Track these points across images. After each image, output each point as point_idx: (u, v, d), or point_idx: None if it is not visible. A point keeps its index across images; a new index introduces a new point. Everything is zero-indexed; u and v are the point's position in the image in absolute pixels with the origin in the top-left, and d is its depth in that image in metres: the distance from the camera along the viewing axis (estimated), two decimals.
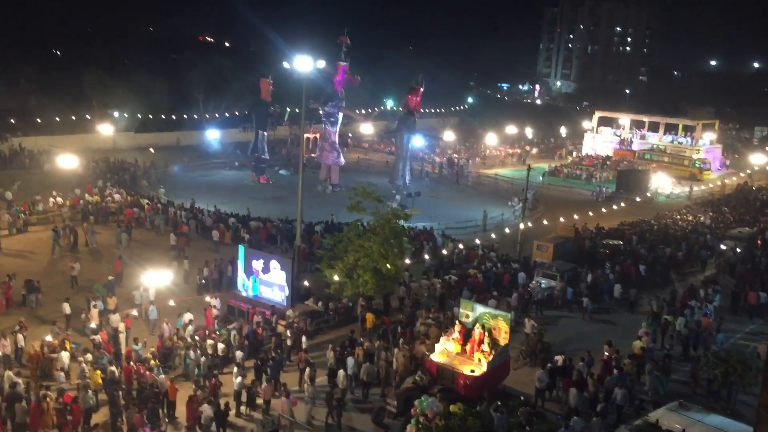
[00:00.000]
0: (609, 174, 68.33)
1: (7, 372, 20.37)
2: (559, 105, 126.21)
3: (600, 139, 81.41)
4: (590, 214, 49.67)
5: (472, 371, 20.48)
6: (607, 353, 22.90)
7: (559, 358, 22.62)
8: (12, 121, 61.50)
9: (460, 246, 37.54)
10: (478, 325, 21.46)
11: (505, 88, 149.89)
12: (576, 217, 46.85)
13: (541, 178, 62.02)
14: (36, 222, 37.61)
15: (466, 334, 21.70)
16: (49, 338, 22.63)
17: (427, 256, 35.68)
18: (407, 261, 31.47)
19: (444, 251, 36.84)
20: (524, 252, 37.32)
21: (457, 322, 22.32)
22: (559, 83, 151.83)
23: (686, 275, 35.88)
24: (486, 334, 21.19)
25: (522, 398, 19.78)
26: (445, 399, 18.90)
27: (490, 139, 79.75)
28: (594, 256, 36.98)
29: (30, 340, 22.84)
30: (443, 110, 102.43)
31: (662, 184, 62.79)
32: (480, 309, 22.04)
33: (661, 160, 73.45)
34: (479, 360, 20.89)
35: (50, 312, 26.23)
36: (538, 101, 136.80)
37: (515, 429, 17.15)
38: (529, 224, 43.13)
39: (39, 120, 63.20)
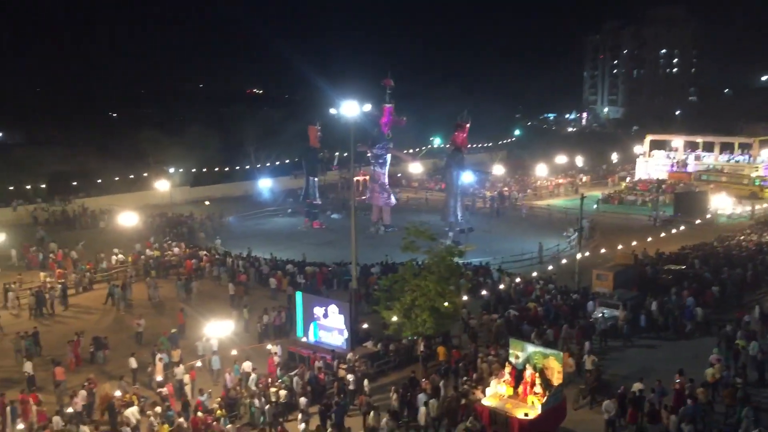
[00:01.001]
0: (666, 197, 66.81)
1: (82, 427, 20.84)
2: (608, 131, 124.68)
3: (653, 162, 79.94)
4: (649, 239, 48.56)
5: (526, 415, 19.77)
6: (679, 382, 22.11)
7: (637, 386, 21.88)
8: (74, 183, 63.87)
9: (518, 280, 37.10)
10: (528, 365, 20.82)
11: (551, 118, 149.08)
12: (634, 243, 45.85)
13: (595, 206, 61.05)
14: (101, 279, 38.72)
15: (518, 376, 21.06)
16: (118, 393, 23.10)
17: (484, 292, 35.34)
18: (465, 298, 31.21)
19: (501, 286, 36.45)
20: (583, 282, 36.64)
21: (507, 363, 21.74)
22: (606, 109, 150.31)
23: (756, 298, 34.55)
24: (537, 374, 20.53)
25: None
26: None
27: (540, 170, 79.15)
28: (656, 282, 36.02)
29: (99, 395, 23.40)
30: (491, 144, 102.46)
31: (722, 204, 61.04)
32: (530, 348, 21.47)
33: (718, 180, 71.51)
34: (533, 403, 20.16)
35: (118, 367, 26.80)
36: (586, 129, 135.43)
37: None
38: (587, 254, 42.40)
39: (99, 180, 65.53)
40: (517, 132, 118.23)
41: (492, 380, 21.79)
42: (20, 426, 21.49)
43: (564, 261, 42.79)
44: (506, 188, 73.17)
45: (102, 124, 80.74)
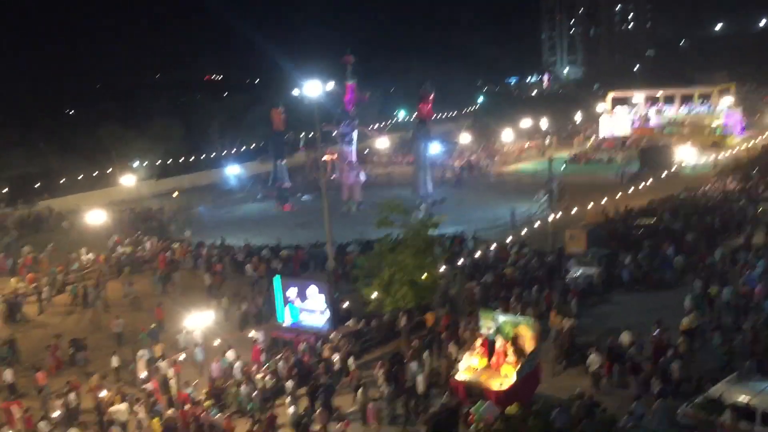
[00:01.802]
0: (630, 153, 67.57)
1: (71, 430, 20.69)
2: (570, 92, 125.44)
3: (616, 119, 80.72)
4: (618, 196, 49.18)
5: (501, 385, 19.86)
6: (657, 333, 22.56)
7: (626, 335, 22.15)
8: (37, 185, 62.66)
9: (492, 246, 37.38)
10: (500, 335, 20.81)
11: (513, 82, 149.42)
12: (604, 201, 46.42)
13: (563, 167, 61.56)
14: (73, 281, 38.14)
15: (490, 347, 21.05)
16: (103, 393, 22.91)
17: (461, 261, 35.57)
18: (442, 268, 31.38)
19: (477, 253, 36.70)
20: (557, 243, 37.05)
21: (478, 335, 21.70)
22: (566, 70, 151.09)
23: (726, 244, 35.27)
24: (509, 343, 20.54)
25: (578, 390, 19.49)
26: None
27: (506, 135, 79.44)
28: (628, 237, 36.59)
29: (84, 397, 23.24)
30: (456, 113, 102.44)
31: (686, 156, 61.99)
32: (501, 318, 21.44)
33: (681, 133, 72.54)
34: (506, 373, 20.21)
35: (99, 368, 26.47)
36: (548, 91, 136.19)
37: (578, 423, 16.98)
38: (558, 215, 42.83)
39: (62, 180, 64.34)
40: (480, 99, 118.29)
41: (464, 354, 21.74)
42: None
43: (537, 224, 43.20)
44: (474, 156, 73.41)
45: (61, 123, 78.98)
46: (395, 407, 21.32)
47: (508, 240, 39.18)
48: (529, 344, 20.58)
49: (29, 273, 37.93)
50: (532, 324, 21.03)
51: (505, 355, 20.47)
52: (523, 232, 42.05)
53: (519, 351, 20.46)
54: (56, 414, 22.16)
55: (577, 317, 26.01)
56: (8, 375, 25.28)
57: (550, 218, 39.84)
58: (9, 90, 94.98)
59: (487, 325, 21.46)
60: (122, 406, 21.94)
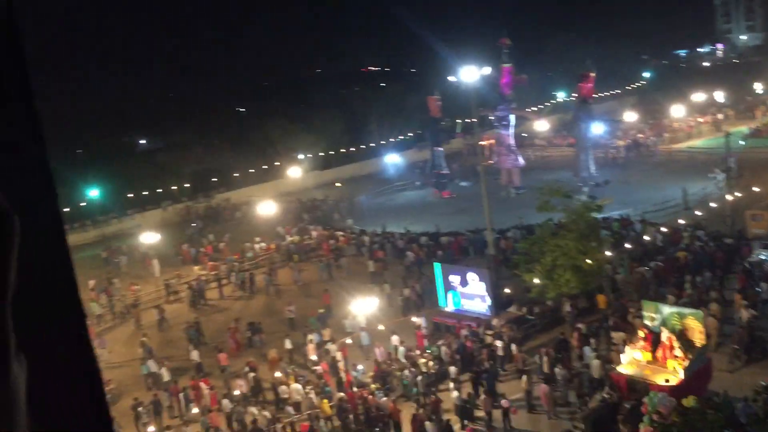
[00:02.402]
0: None
1: (250, 408, 22.22)
2: (749, 60, 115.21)
3: None
4: None
5: (667, 381, 18.52)
6: None
7: None
8: (214, 180, 67.47)
9: (663, 229, 35.31)
10: (665, 328, 19.39)
11: (683, 54, 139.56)
12: None
13: (742, 143, 56.82)
14: (248, 268, 40.73)
15: (654, 340, 19.69)
16: (278, 374, 24.36)
17: (628, 245, 33.93)
18: (608, 253, 30.12)
19: (646, 237, 34.84)
20: (737, 225, 34.31)
21: (641, 327, 20.37)
22: (744, 37, 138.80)
23: None
24: (675, 337, 19.13)
25: (764, 383, 17.94)
26: (632, 420, 17.25)
27: (676, 111, 74.51)
28: None
29: (264, 372, 25.01)
30: (619, 91, 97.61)
31: None
32: (666, 309, 20.03)
33: None
34: (674, 368, 18.85)
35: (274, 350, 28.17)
36: (722, 60, 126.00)
37: (765, 418, 15.66)
38: (737, 194, 39.61)
39: (236, 175, 68.80)
40: (646, 74, 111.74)
41: (626, 347, 20.59)
42: (194, 410, 23.17)
43: (713, 205, 40.23)
44: (640, 135, 69.59)
45: (233, 120, 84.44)
46: (567, 394, 20.83)
47: (681, 222, 36.84)
48: (698, 338, 19.25)
49: (210, 261, 41.00)
50: (701, 317, 19.61)
51: (672, 348, 19.20)
52: (697, 214, 39.35)
53: (687, 345, 19.15)
54: (237, 393, 23.86)
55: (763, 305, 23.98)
56: (195, 355, 27.54)
57: (729, 198, 36.93)
58: (186, 91, 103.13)
59: (650, 316, 20.26)
60: (297, 386, 23.18)
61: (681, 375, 18.72)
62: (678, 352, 19.06)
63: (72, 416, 1.34)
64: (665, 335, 19.45)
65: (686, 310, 20.23)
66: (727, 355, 21.17)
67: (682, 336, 19.29)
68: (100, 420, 1.37)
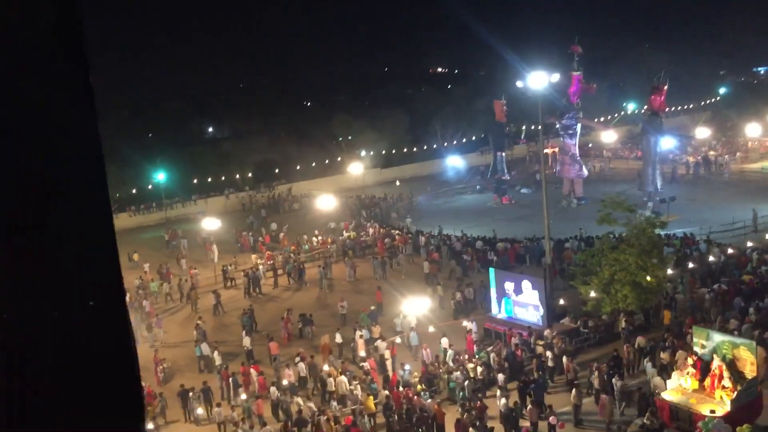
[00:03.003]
0: None
1: (296, 398, 22.52)
2: None
3: None
4: None
5: (713, 411, 17.81)
6: None
7: None
8: (276, 171, 68.55)
9: (729, 251, 34.19)
10: (716, 356, 18.68)
11: (762, 72, 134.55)
12: None
13: None
14: (304, 260, 41.25)
15: (703, 368, 18.99)
16: (326, 367, 24.62)
17: (691, 265, 32.99)
18: (669, 271, 29.35)
19: (711, 257, 33.80)
20: None
21: (691, 353, 19.63)
22: None
23: None
24: (725, 366, 18.36)
25: None
26: None
27: (752, 129, 71.93)
28: None
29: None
30: (692, 106, 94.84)
31: None
32: (717, 337, 19.28)
33: None
34: (721, 398, 18.12)
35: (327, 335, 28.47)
36: None
37: None
38: None
39: (298, 167, 69.73)
40: (722, 90, 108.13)
41: (674, 372, 19.93)
42: (243, 396, 23.61)
43: None
44: (712, 152, 67.46)
45: (299, 113, 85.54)
46: (623, 408, 20.46)
47: (749, 245, 35.60)
48: (749, 369, 18.43)
49: (267, 251, 41.67)
50: (753, 347, 18.77)
51: (721, 378, 18.49)
52: (766, 237, 37.97)
53: (737, 376, 18.39)
54: (285, 382, 24.20)
55: None
56: (247, 342, 28.05)
57: None
58: (253, 83, 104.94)
59: (701, 343, 19.60)
60: (344, 378, 23.39)
61: (728, 406, 17.99)
62: (727, 383, 18.33)
63: (102, 397, 1.37)
64: (715, 364, 18.76)
65: (738, 340, 19.44)
66: None
67: (733, 366, 18.55)
68: (131, 402, 1.41)
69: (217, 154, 68.49)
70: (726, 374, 18.46)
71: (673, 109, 77.97)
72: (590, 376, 22.06)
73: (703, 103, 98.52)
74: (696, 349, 19.76)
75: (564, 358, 23.59)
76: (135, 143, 57.88)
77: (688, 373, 19.44)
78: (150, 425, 21.97)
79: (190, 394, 23.30)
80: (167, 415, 23.61)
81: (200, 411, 23.25)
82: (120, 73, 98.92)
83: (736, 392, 18.16)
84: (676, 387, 19.50)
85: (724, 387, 18.41)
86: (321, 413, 21.07)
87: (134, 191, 58.88)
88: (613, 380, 20.95)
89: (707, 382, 18.94)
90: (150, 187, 58.87)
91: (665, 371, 21.57)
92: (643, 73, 66.26)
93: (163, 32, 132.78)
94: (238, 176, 65.28)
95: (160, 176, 57.12)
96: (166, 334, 31.19)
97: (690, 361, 19.51)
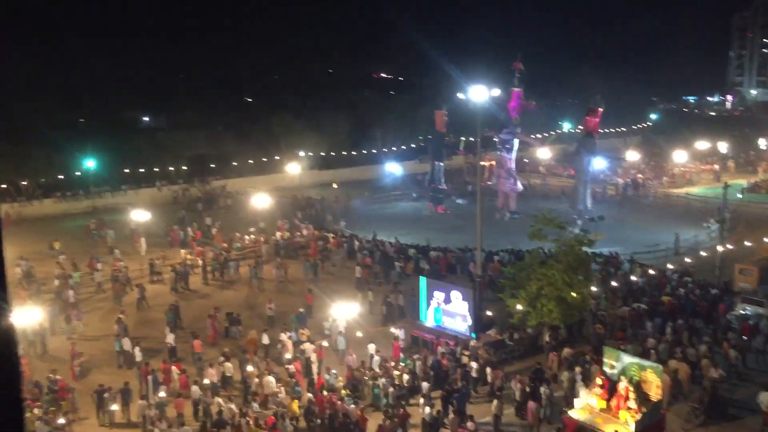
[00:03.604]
0: None
1: (216, 398, 22.06)
2: (756, 115, 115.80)
3: None
4: None
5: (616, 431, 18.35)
6: None
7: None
8: (212, 166, 67.32)
9: (651, 272, 35.39)
10: (623, 377, 19.16)
11: (692, 101, 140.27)
12: None
13: (739, 195, 57.10)
14: (234, 258, 40.57)
15: (611, 388, 19.43)
16: (250, 368, 24.21)
17: (614, 283, 33.99)
18: (594, 289, 30.14)
19: (633, 277, 34.90)
20: (724, 277, 34.41)
21: (599, 373, 20.09)
22: (754, 92, 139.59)
23: None
24: (632, 388, 18.81)
25: None
26: None
27: (678, 156, 74.87)
28: None
29: (235, 369, 24.80)
30: (624, 129, 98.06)
31: None
32: (626, 359, 19.74)
33: None
34: (626, 420, 18.54)
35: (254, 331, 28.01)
36: (730, 112, 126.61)
37: None
38: (729, 246, 39.74)
39: (235, 163, 68.67)
40: (653, 116, 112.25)
41: (582, 391, 20.36)
42: (162, 393, 22.97)
43: (703, 253, 40.35)
44: (640, 175, 69.85)
45: (239, 110, 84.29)
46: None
47: (669, 267, 36.93)
48: (654, 392, 18.89)
49: (198, 247, 40.80)
50: (660, 371, 19.30)
51: (627, 399, 18.89)
52: (686, 260, 39.48)
53: (642, 398, 18.81)
54: (207, 381, 23.69)
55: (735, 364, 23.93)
56: (171, 338, 27.37)
57: (720, 249, 37.07)
58: (193, 77, 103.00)
59: (610, 363, 19.99)
60: (272, 378, 23.06)
61: (632, 428, 18.35)
62: (632, 404, 18.71)
63: None
64: (622, 385, 19.13)
65: (646, 363, 19.86)
66: (685, 413, 20.98)
67: (639, 388, 18.97)
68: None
69: (152, 144, 66.60)
70: (632, 395, 18.80)
71: (605, 131, 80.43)
72: (513, 387, 22.39)
73: (634, 127, 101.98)
74: (605, 368, 20.08)
75: (487, 369, 23.88)
76: (66, 128, 55.88)
77: (595, 393, 19.76)
78: (61, 420, 21.17)
79: (106, 394, 22.42)
80: (79, 411, 22.78)
81: (115, 407, 22.46)
82: (56, 55, 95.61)
83: (640, 414, 18.52)
84: (584, 405, 19.80)
85: (629, 408, 18.75)
86: (243, 415, 20.70)
87: (61, 177, 56.81)
88: (542, 389, 21.31)
89: (613, 402, 19.25)
90: (78, 173, 56.91)
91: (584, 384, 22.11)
92: (580, 95, 68.07)
93: (106, 17, 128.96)
94: (172, 169, 63.79)
95: (90, 163, 55.25)
96: (86, 327, 30.13)
97: (599, 380, 19.82)
